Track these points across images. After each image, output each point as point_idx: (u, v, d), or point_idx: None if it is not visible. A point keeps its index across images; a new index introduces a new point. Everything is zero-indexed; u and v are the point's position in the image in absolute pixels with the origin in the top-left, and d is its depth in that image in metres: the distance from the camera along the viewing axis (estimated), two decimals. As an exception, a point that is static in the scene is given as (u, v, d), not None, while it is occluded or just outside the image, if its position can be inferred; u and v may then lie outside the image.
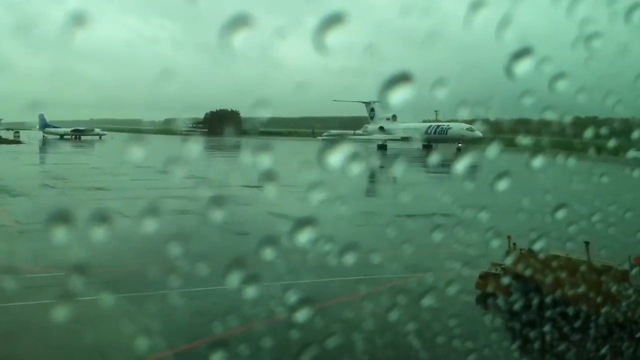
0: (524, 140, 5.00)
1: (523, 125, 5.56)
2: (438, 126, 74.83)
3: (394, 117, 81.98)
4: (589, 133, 4.76)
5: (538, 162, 4.38)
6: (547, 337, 6.83)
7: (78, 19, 2.21)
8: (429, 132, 74.78)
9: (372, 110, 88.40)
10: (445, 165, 4.51)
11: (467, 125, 60.98)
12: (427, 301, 5.83)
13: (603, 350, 7.00)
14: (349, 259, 4.01)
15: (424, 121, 78.51)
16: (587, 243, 8.95)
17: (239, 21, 2.65)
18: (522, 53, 3.49)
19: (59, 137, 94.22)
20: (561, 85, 3.93)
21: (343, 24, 2.66)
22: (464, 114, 3.71)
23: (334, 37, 2.61)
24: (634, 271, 8.37)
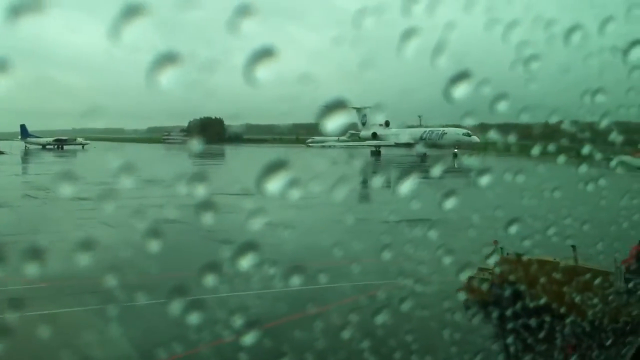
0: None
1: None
2: (432, 131, 72.28)
3: (387, 123, 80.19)
4: (536, 150, 4.87)
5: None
6: (530, 343, 6.92)
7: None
8: (423, 137, 72.24)
9: (364, 116, 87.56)
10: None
11: (464, 130, 57.96)
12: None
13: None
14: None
15: (409, 126, 76.99)
16: (574, 247, 8.99)
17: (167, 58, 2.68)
18: (459, 77, 3.57)
19: (41, 147, 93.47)
20: (502, 106, 4.02)
21: (273, 57, 2.71)
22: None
23: (264, 71, 2.67)
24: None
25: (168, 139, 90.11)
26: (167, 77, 2.63)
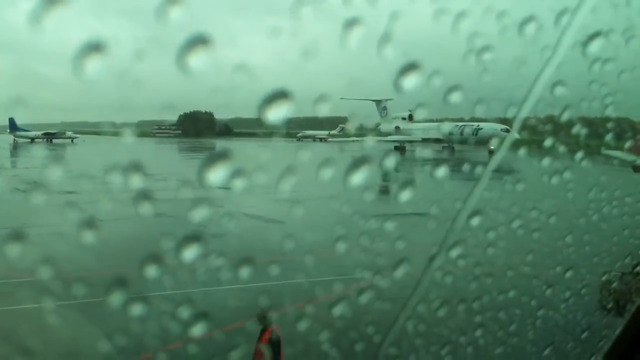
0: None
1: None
2: (465, 126, 67.20)
3: (410, 117, 75.81)
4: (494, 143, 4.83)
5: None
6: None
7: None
8: (454, 132, 67.97)
9: (385, 108, 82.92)
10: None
11: (502, 126, 50.76)
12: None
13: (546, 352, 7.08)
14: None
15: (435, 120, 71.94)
16: None
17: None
18: (408, 68, 3.52)
19: (30, 140, 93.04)
20: (456, 97, 3.97)
21: (207, 46, 2.64)
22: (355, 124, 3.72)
23: (197, 59, 2.60)
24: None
25: (158, 132, 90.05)
26: (93, 67, 2.57)
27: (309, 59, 3.20)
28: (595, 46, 4.52)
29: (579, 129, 5.26)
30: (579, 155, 5.46)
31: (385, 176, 20.74)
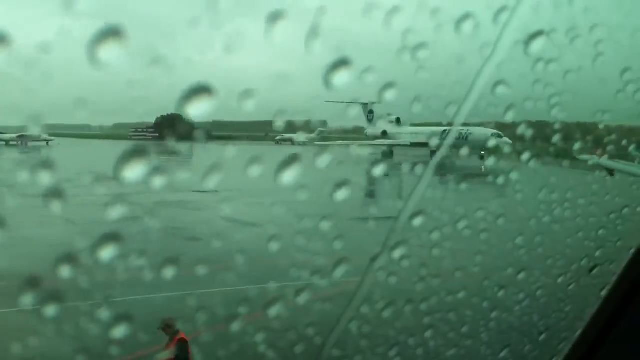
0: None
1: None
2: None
3: (398, 121, 75.04)
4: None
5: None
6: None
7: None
8: (444, 137, 64.91)
9: (371, 112, 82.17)
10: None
11: (494, 131, 51.62)
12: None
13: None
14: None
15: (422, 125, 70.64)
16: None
17: None
18: (338, 64, 3.45)
19: (4, 143, 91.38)
20: (390, 94, 3.92)
21: (119, 38, 2.55)
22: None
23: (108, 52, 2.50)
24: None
25: (134, 135, 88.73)
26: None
27: (230, 52, 3.12)
28: (537, 45, 4.51)
29: (524, 130, 5.26)
30: (526, 156, 5.45)
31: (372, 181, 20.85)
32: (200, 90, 2.79)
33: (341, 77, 3.40)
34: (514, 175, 5.89)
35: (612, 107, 6.22)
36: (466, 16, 4.00)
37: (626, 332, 2.77)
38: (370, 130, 79.78)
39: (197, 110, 2.78)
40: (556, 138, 6.10)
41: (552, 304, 9.13)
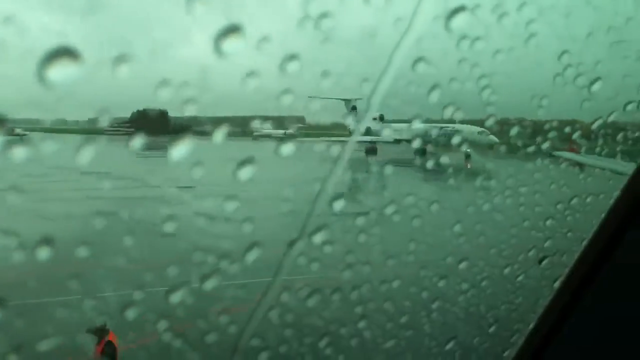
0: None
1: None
2: (441, 127, 65.19)
3: (381, 118, 74.46)
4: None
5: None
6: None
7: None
8: (429, 134, 65.16)
9: (354, 108, 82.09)
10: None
11: (479, 129, 51.13)
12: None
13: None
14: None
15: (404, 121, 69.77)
16: None
17: None
18: (229, 30, 3.22)
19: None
20: (293, 67, 3.69)
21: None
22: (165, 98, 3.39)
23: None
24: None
25: (109, 130, 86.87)
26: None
27: (95, 12, 2.87)
28: (459, 22, 4.28)
29: (452, 112, 5.06)
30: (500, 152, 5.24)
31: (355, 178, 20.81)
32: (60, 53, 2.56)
33: (232, 45, 3.17)
34: (445, 160, 5.70)
35: (550, 92, 6.06)
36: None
37: (580, 324, 2.76)
38: (354, 127, 78.96)
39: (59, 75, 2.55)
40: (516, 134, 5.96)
41: (501, 295, 9.01)
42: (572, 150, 16.79)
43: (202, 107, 3.66)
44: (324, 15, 3.63)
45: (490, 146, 48.59)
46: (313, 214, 4.10)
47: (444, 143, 62.21)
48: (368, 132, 76.64)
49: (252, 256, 4.42)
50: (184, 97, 3.42)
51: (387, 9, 3.84)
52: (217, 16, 3.22)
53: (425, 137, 64.44)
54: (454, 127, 62.69)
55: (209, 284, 4.12)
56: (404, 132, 67.59)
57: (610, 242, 2.56)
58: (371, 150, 66.21)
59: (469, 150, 52.30)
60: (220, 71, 3.41)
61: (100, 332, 8.78)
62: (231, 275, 4.75)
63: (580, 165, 15.81)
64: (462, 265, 6.86)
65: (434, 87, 4.84)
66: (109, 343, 8.73)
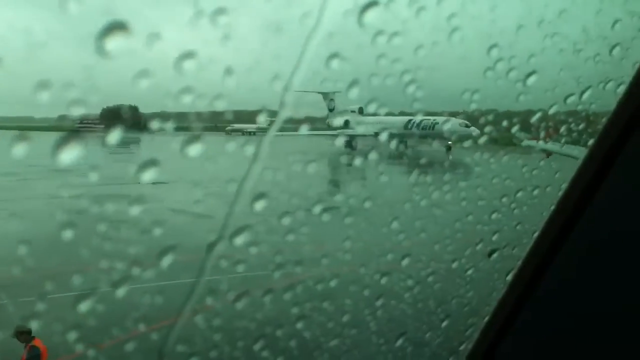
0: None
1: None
2: (422, 120, 63.81)
3: (360, 110, 73.04)
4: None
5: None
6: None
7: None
8: (409, 127, 64.72)
9: (332, 101, 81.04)
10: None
11: (461, 120, 49.93)
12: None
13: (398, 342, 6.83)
14: None
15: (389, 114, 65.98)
16: None
17: None
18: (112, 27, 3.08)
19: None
20: (189, 65, 3.55)
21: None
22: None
23: None
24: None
25: (79, 127, 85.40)
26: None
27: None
28: (372, 17, 4.18)
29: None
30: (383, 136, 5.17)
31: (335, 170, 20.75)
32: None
33: (118, 44, 3.03)
34: (373, 156, 5.62)
35: (482, 86, 6.02)
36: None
37: (534, 315, 2.79)
38: (332, 120, 78.68)
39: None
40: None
41: (450, 290, 8.98)
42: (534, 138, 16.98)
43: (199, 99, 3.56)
44: (219, 11, 3.50)
45: (473, 138, 47.71)
46: (232, 214, 3.98)
47: (424, 135, 62.38)
48: (346, 125, 76.35)
49: (167, 261, 4.29)
50: (68, 99, 3.27)
51: (291, 4, 3.73)
52: (98, 14, 3.08)
53: (405, 130, 64.66)
54: (435, 120, 62.49)
55: (121, 292, 3.98)
56: (383, 125, 66.64)
57: (561, 233, 2.57)
58: (350, 143, 65.10)
59: (449, 142, 51.99)
60: (107, 70, 3.25)
61: (24, 337, 8.59)
62: (145, 281, 4.61)
63: (548, 154, 16.00)
64: (405, 262, 6.81)
65: (352, 83, 4.75)
66: (33, 347, 8.54)
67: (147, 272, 4.73)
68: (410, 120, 66.09)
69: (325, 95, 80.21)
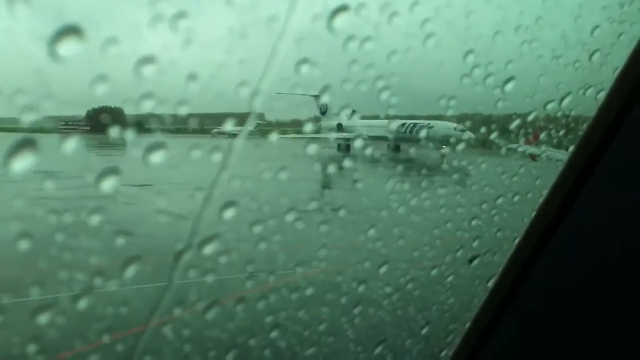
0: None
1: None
2: (415, 124, 61.66)
3: (353, 113, 71.63)
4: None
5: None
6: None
7: None
8: (403, 130, 61.82)
9: (325, 104, 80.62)
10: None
11: (454, 124, 51.24)
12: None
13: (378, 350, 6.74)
14: None
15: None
16: None
17: None
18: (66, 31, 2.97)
19: None
20: (149, 70, 3.44)
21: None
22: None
23: None
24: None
25: (64, 128, 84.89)
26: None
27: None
28: (342, 22, 4.09)
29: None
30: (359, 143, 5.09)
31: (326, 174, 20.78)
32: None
33: (71, 48, 2.92)
34: (347, 163, 5.54)
35: (458, 92, 5.96)
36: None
37: (516, 321, 2.83)
38: (325, 123, 78.51)
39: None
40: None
41: (430, 297, 8.91)
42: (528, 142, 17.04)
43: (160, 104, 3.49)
44: (179, 15, 3.39)
45: (467, 142, 47.52)
46: (200, 222, 3.86)
47: (418, 139, 62.28)
48: (339, 128, 76.20)
49: (131, 271, 4.16)
50: (19, 105, 3.15)
51: (255, 9, 3.63)
52: (48, 18, 2.98)
53: (399, 134, 64.70)
54: (428, 124, 62.13)
55: (82, 303, 3.85)
56: (377, 128, 66.20)
57: (542, 239, 2.59)
58: (344, 147, 64.48)
59: (444, 146, 51.18)
60: (61, 76, 3.14)
61: None
62: (110, 292, 4.48)
63: (533, 157, 16.03)
64: (383, 269, 6.71)
65: (324, 89, 4.67)
66: None
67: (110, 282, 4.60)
68: (404, 124, 65.91)
69: (316, 97, 79.50)
